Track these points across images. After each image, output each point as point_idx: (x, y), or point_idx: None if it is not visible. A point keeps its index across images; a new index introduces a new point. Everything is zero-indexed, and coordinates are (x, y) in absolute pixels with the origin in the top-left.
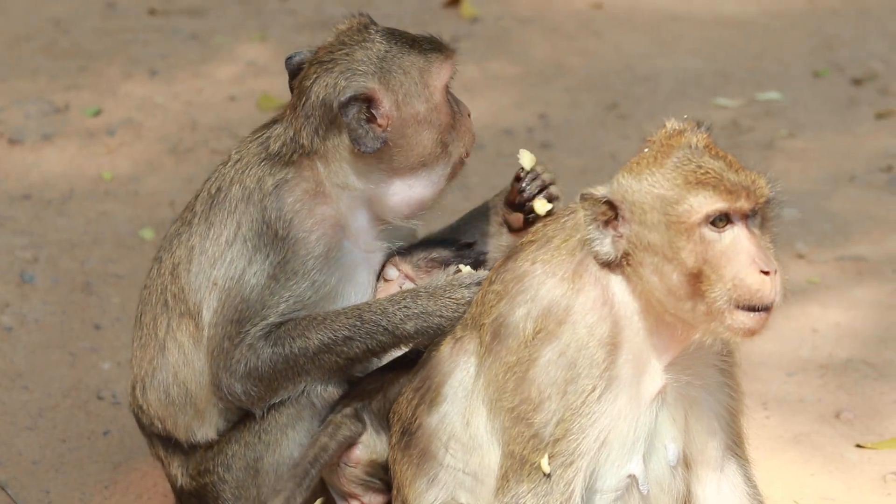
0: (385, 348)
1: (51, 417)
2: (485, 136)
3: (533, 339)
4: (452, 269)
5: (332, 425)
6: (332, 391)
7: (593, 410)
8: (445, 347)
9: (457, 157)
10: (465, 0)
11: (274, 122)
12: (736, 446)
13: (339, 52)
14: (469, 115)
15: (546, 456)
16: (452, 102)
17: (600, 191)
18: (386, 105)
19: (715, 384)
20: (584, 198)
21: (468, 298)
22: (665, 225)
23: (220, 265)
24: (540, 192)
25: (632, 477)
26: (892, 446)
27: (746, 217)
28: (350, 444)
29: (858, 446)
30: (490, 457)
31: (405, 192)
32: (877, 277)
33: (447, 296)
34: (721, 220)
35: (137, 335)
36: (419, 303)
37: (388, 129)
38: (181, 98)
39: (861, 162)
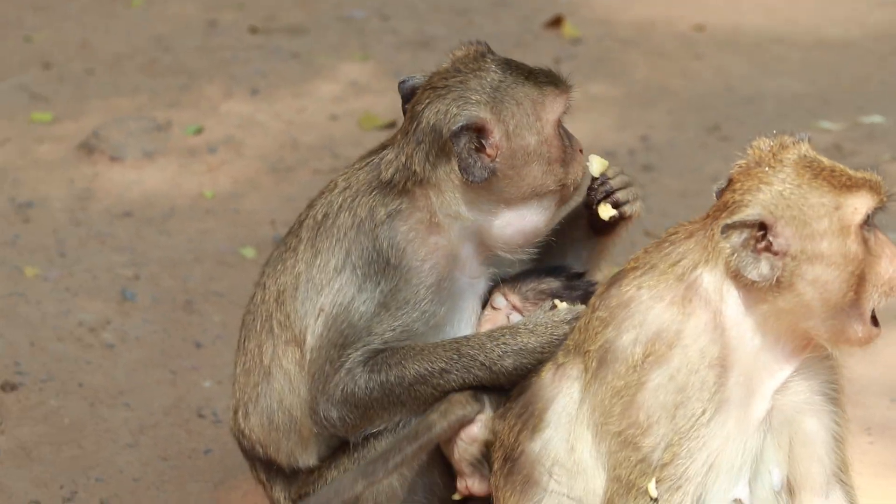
0: (481, 382)
1: (152, 435)
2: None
3: (642, 363)
4: (548, 304)
5: (445, 403)
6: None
7: (702, 434)
8: (547, 374)
9: (567, 190)
10: (567, 21)
11: (383, 147)
12: (841, 472)
13: (454, 79)
14: (581, 151)
15: (654, 480)
16: (564, 136)
17: (748, 214)
18: (496, 135)
19: (821, 410)
20: (729, 227)
21: (560, 335)
22: (831, 232)
23: (327, 292)
24: (606, 196)
25: (737, 501)
26: None
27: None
28: (465, 423)
29: None
30: (595, 482)
31: (516, 223)
32: None
33: (547, 333)
34: (870, 219)
35: (241, 360)
36: (519, 339)
37: (497, 159)
38: (282, 117)
39: None
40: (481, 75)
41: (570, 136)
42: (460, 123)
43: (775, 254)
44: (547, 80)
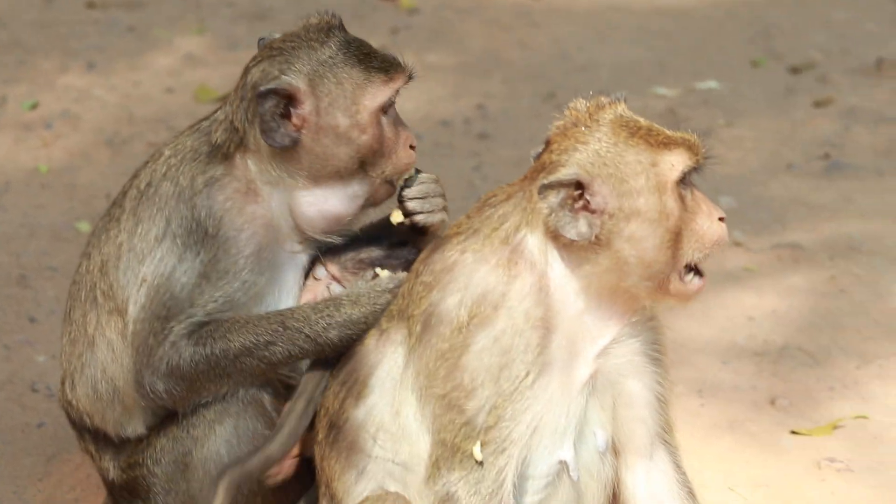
0: (307, 355)
1: None
2: (422, 128)
3: (467, 325)
4: (370, 273)
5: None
6: (259, 390)
7: (526, 396)
8: (370, 340)
9: (379, 181)
10: None
11: (214, 112)
12: (665, 433)
13: (289, 44)
14: (411, 145)
15: (478, 443)
16: (388, 126)
17: (564, 173)
18: (306, 108)
19: (644, 371)
20: (546, 187)
21: (382, 304)
22: (648, 189)
23: (149, 262)
24: (401, 202)
25: (562, 463)
26: (826, 433)
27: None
28: None
29: (793, 433)
30: (420, 445)
31: (319, 204)
32: (812, 265)
33: (370, 303)
34: (686, 177)
35: (67, 330)
36: (342, 311)
37: (303, 131)
38: (118, 91)
39: (798, 150)
40: (315, 47)
41: (399, 130)
42: (270, 86)
43: (592, 212)
44: (379, 66)
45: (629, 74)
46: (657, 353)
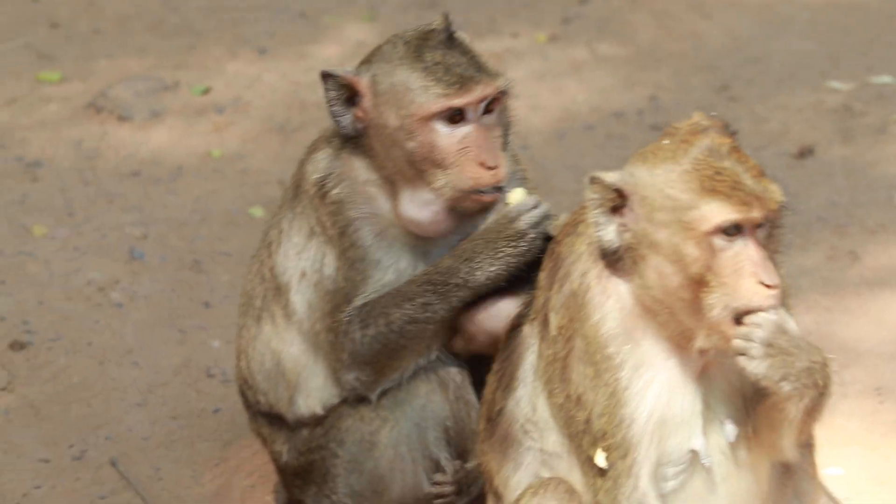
0: (465, 301)
1: (161, 394)
2: (594, 119)
3: (565, 331)
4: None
5: None
6: (447, 365)
7: (630, 398)
8: (524, 328)
9: (451, 192)
10: None
11: None
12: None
13: (389, 42)
14: (487, 165)
15: (599, 450)
16: (448, 138)
17: (611, 177)
18: (366, 102)
19: None
20: (593, 180)
21: (524, 227)
22: (674, 228)
23: (305, 256)
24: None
25: (693, 452)
26: None
27: (757, 227)
28: None
29: None
30: (563, 434)
31: (402, 205)
32: None
33: (503, 236)
34: (732, 229)
35: (241, 301)
36: (479, 251)
37: (367, 123)
38: (289, 77)
39: None
40: (398, 45)
41: (472, 147)
42: (331, 71)
43: (624, 226)
44: (441, 78)
45: (802, 67)
46: None
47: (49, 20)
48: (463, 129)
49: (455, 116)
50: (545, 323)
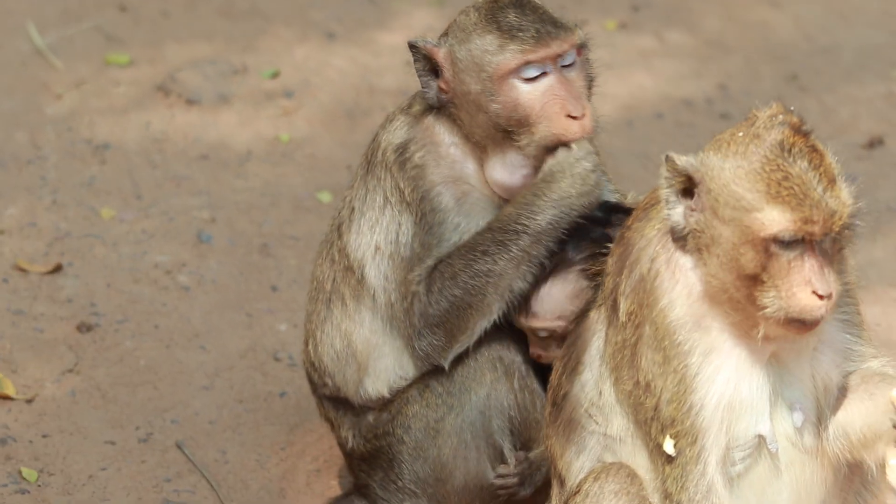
0: (529, 251)
1: (227, 378)
2: (664, 107)
3: (634, 317)
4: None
5: None
6: (513, 354)
7: (699, 384)
8: (591, 314)
9: (534, 150)
10: None
11: None
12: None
13: (463, 11)
14: (571, 115)
15: (668, 438)
16: (530, 94)
17: (683, 160)
18: (446, 72)
19: (838, 340)
20: (667, 159)
21: (581, 171)
22: (734, 225)
23: (378, 230)
24: None
25: (759, 437)
26: None
27: (820, 237)
28: None
29: None
30: (629, 421)
31: (490, 171)
32: None
33: (561, 180)
34: (791, 240)
35: (311, 288)
36: (539, 195)
37: (450, 93)
38: (358, 61)
39: None
40: (470, 13)
41: (555, 99)
42: (414, 42)
43: (692, 210)
44: (514, 35)
45: (872, 58)
46: (849, 315)
47: (118, 3)
48: (544, 83)
49: (534, 72)
50: (614, 308)
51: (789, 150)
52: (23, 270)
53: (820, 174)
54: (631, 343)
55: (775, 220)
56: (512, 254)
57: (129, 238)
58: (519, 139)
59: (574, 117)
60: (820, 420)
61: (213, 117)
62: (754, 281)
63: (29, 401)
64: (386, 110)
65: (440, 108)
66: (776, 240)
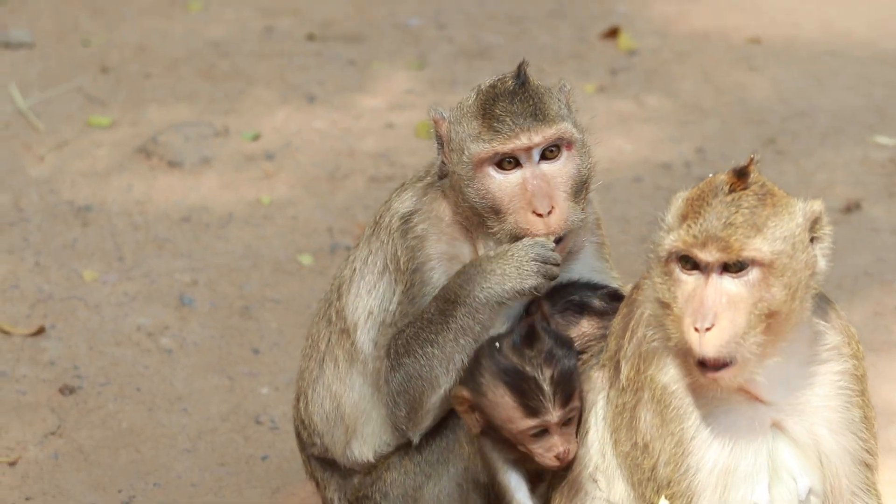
0: (466, 323)
1: (209, 441)
2: (643, 170)
3: (633, 382)
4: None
5: None
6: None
7: (696, 447)
8: (594, 373)
9: (506, 239)
10: (623, 32)
11: None
12: (863, 493)
13: (473, 87)
14: (535, 212)
15: (663, 497)
16: (503, 186)
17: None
18: (445, 147)
19: (838, 421)
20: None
21: (524, 258)
22: (660, 244)
23: (375, 295)
24: None
25: None
26: None
27: (724, 268)
28: None
29: None
30: (629, 488)
31: (480, 251)
32: None
33: (503, 260)
34: (687, 263)
35: (305, 346)
36: (475, 271)
37: (447, 167)
38: (338, 124)
39: None
40: (472, 93)
41: (527, 195)
42: (430, 110)
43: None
44: (492, 125)
45: (849, 122)
46: (850, 397)
47: (100, 65)
48: (517, 175)
49: (508, 163)
50: (617, 370)
51: (720, 186)
52: (5, 332)
53: (734, 212)
54: (630, 406)
55: (671, 237)
56: (450, 324)
57: (111, 300)
58: (491, 226)
59: (539, 214)
60: (828, 494)
61: (195, 180)
62: (667, 307)
63: (12, 463)
64: (366, 173)
65: (443, 180)
66: (675, 260)
